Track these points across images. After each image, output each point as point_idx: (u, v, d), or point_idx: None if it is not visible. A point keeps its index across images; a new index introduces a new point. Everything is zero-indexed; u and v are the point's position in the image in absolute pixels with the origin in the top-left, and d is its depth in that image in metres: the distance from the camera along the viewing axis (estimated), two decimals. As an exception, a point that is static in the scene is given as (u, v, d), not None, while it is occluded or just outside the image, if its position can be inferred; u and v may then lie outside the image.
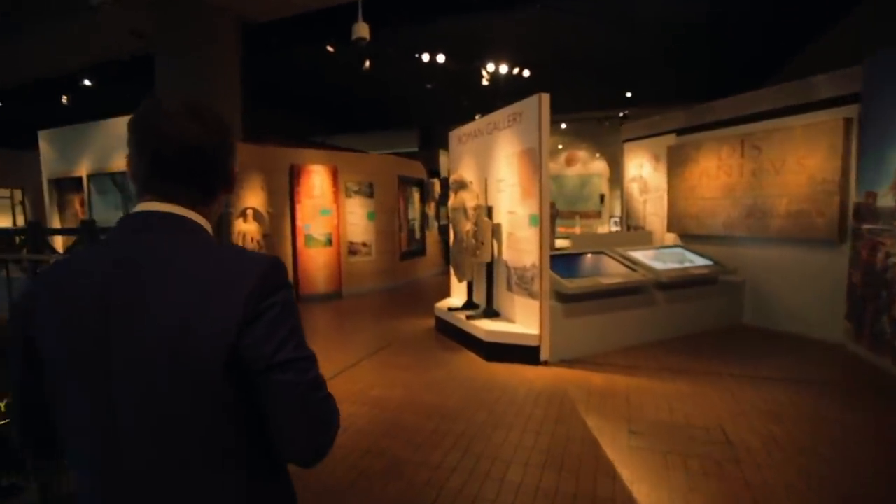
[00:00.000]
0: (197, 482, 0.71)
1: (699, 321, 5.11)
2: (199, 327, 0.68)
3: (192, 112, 0.77)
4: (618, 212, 16.13)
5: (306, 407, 0.72)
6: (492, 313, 4.80)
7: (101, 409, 0.70)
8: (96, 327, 0.70)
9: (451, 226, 5.37)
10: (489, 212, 4.79)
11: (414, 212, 9.40)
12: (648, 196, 6.88)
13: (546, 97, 4.09)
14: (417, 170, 9.56)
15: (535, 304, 4.20)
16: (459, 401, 3.48)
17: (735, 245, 5.55)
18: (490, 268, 4.84)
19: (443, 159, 14.09)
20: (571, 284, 4.28)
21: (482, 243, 4.67)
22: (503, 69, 9.20)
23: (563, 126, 15.34)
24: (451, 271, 5.52)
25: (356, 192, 7.80)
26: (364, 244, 7.95)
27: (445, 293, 6.24)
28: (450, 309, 5.19)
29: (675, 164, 6.18)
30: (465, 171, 5.34)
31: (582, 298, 4.40)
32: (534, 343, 4.19)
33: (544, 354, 4.20)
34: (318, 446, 0.74)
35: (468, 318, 4.75)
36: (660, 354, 4.41)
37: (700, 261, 5.38)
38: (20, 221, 13.08)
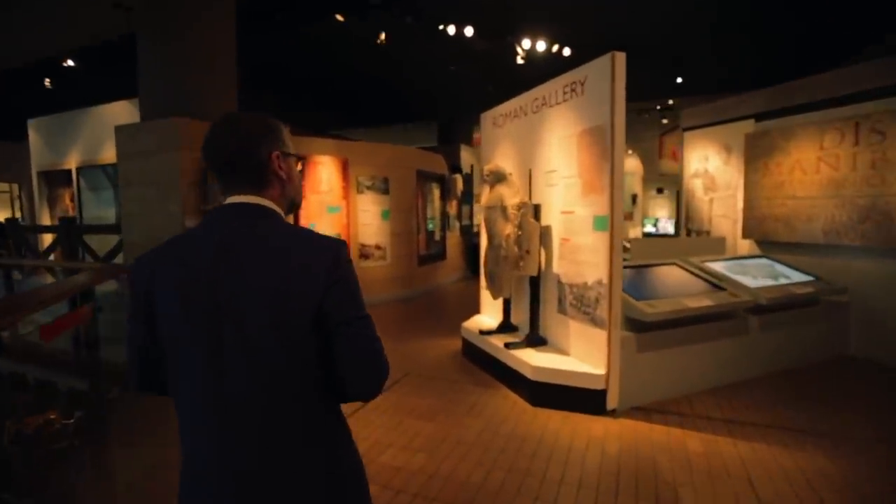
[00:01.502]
0: (286, 408, 0.87)
1: (798, 353, 4.01)
2: (295, 289, 0.85)
3: (224, 124, 0.95)
4: (657, 213, 14.95)
5: (368, 353, 0.90)
6: (537, 341, 3.76)
7: (213, 352, 0.85)
8: (209, 288, 0.86)
9: (482, 228, 4.36)
10: (535, 211, 3.76)
11: (433, 210, 8.40)
12: (716, 195, 5.76)
13: (621, 56, 3.04)
14: (438, 164, 8.55)
15: (601, 333, 3.16)
16: (505, 477, 2.46)
17: (836, 255, 4.43)
18: (535, 282, 3.80)
19: (464, 154, 13.02)
20: (650, 309, 3.22)
21: (527, 251, 3.63)
22: (532, 48, 8.12)
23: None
24: (482, 284, 4.51)
25: (369, 188, 6.82)
26: (378, 247, 6.96)
27: (470, 304, 5.23)
28: (481, 332, 4.16)
29: (756, 155, 5.07)
30: (503, 160, 4.31)
31: (661, 326, 3.36)
32: (598, 386, 3.15)
33: (611, 402, 3.16)
34: (377, 385, 0.91)
35: (507, 346, 3.72)
36: (764, 402, 3.33)
37: (797, 276, 4.27)
38: (20, 217, 12.44)
